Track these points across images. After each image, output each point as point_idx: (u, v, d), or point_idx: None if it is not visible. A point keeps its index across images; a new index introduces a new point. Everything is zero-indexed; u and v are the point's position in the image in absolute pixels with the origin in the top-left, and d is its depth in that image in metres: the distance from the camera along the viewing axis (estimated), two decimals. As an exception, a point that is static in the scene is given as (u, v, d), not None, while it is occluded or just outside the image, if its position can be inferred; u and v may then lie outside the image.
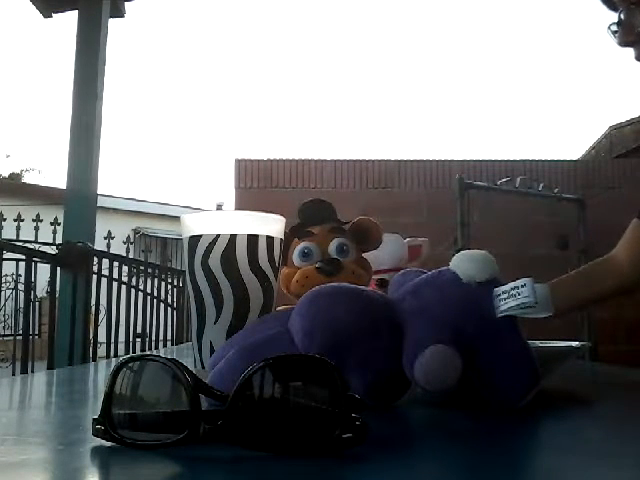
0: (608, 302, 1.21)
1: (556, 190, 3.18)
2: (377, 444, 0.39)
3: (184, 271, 0.69)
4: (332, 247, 0.79)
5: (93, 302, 2.96)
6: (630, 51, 0.96)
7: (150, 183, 33.10)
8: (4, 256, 2.51)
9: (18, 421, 0.53)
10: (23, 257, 2.61)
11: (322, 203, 0.83)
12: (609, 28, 0.96)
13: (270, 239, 0.66)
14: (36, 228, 4.98)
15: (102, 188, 3.35)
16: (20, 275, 4.52)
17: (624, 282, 1.18)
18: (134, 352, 3.14)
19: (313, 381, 0.37)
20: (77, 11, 3.25)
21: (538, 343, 0.73)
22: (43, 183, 13.44)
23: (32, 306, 2.93)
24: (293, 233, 0.80)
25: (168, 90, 39.38)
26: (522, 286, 0.49)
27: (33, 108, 36.11)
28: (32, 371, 2.77)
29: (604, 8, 0.99)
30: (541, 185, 3.11)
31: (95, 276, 2.96)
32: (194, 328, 0.66)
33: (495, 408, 0.51)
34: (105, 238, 4.12)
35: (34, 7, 3.34)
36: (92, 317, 3.00)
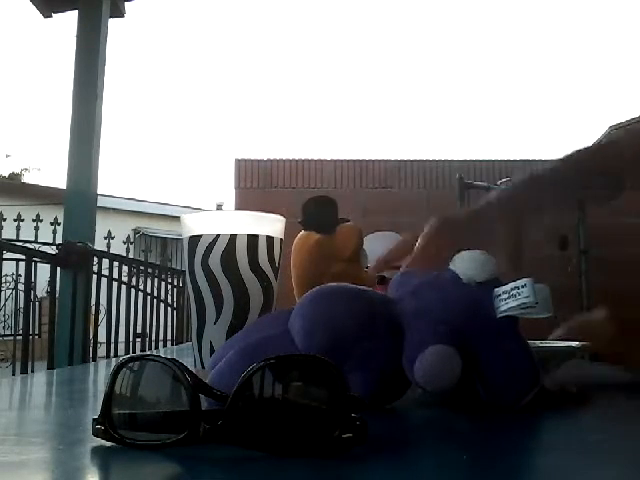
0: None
1: (556, 190, 3.17)
2: (377, 444, 0.39)
3: (184, 271, 0.69)
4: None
5: (93, 302, 2.96)
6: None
7: (150, 183, 33.11)
8: (4, 256, 2.51)
9: (18, 421, 0.53)
10: (23, 257, 2.61)
11: (325, 200, 0.83)
12: None
13: (270, 239, 0.66)
14: (36, 228, 4.98)
15: (102, 188, 3.35)
16: (20, 275, 4.52)
17: None
18: (134, 352, 3.14)
19: (313, 381, 0.37)
20: (77, 11, 3.26)
21: (538, 343, 0.73)
22: (43, 183, 13.44)
23: (32, 306, 2.93)
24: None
25: (168, 90, 39.39)
26: (522, 286, 0.49)
27: (33, 108, 36.12)
28: (32, 371, 2.77)
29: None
30: (541, 185, 3.11)
31: (95, 276, 2.96)
32: (194, 328, 0.66)
33: (495, 408, 0.51)
34: (105, 238, 4.12)
35: (34, 7, 3.34)
36: (92, 317, 3.00)
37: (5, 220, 5.09)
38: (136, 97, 42.61)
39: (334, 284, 0.54)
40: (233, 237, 0.64)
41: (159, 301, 3.75)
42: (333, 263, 0.78)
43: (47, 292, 3.04)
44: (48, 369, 2.21)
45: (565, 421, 0.51)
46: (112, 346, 3.05)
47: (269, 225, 0.67)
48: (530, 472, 0.37)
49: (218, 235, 0.64)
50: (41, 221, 5.01)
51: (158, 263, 6.34)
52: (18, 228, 5.06)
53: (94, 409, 0.52)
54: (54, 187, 10.35)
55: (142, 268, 3.69)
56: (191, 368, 0.38)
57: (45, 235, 4.90)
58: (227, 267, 0.64)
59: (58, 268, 2.75)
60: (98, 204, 3.23)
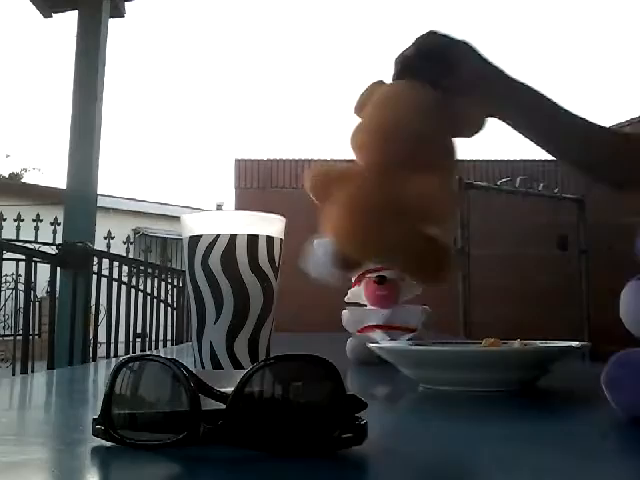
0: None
1: (556, 190, 3.19)
2: (377, 444, 0.39)
3: (184, 271, 0.69)
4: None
5: (93, 302, 2.96)
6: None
7: (150, 183, 33.10)
8: (4, 256, 2.51)
9: (18, 421, 0.53)
10: (23, 257, 2.62)
11: None
12: None
13: (270, 239, 0.66)
14: (36, 228, 4.98)
15: (102, 188, 3.36)
16: (20, 275, 4.52)
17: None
18: (134, 352, 3.14)
19: (313, 381, 0.37)
20: (77, 11, 3.26)
21: (538, 343, 0.73)
22: (43, 183, 13.44)
23: (32, 306, 2.93)
24: None
25: (168, 90, 39.41)
26: None
27: (33, 108, 36.13)
28: (32, 371, 2.77)
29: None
30: (541, 185, 3.12)
31: (95, 276, 2.96)
32: (194, 328, 0.66)
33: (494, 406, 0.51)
34: (105, 238, 4.12)
35: (34, 7, 3.35)
36: (92, 317, 3.00)
37: (5, 220, 5.09)
38: (136, 97, 42.65)
39: None
40: (233, 237, 0.64)
41: (159, 301, 3.75)
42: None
43: (47, 292, 3.04)
44: (48, 369, 2.21)
45: (565, 421, 0.51)
46: (112, 346, 3.05)
47: (269, 225, 0.67)
48: (529, 472, 0.37)
49: (218, 235, 0.64)
50: (41, 221, 5.01)
51: (158, 263, 6.34)
52: (18, 228, 5.06)
53: (94, 409, 0.52)
54: (54, 187, 10.34)
55: (142, 268, 3.69)
56: (191, 368, 0.38)
57: (45, 235, 4.90)
58: (227, 267, 0.64)
59: (58, 268, 2.75)
60: (98, 204, 3.24)
